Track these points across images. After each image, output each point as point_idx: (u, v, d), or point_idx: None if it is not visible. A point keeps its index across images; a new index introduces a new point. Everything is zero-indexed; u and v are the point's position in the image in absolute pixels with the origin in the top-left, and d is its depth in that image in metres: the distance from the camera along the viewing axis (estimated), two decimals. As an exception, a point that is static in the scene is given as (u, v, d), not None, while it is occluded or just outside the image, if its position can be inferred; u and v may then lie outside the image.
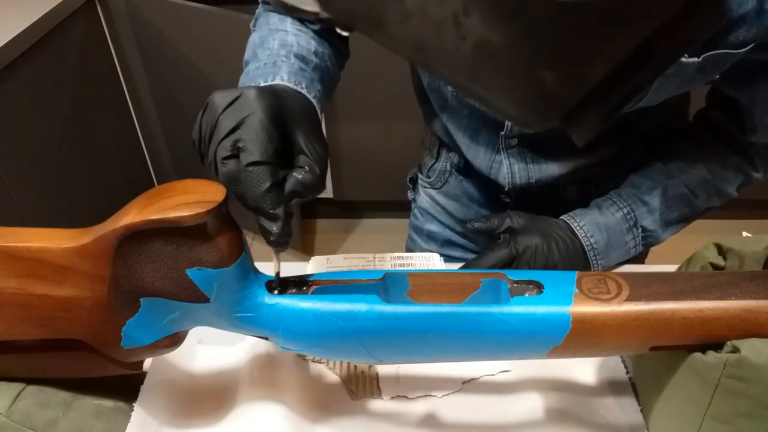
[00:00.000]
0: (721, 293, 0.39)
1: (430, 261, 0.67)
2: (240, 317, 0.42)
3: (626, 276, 0.42)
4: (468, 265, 0.60)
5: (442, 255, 0.87)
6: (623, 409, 0.51)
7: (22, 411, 0.46)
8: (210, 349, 0.56)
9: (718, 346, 0.40)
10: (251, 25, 0.67)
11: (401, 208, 2.10)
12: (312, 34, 0.63)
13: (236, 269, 0.41)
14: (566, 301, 0.40)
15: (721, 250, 0.46)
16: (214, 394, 0.53)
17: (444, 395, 0.53)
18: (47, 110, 1.38)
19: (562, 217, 0.64)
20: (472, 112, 0.67)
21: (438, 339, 0.41)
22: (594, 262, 0.62)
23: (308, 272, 0.50)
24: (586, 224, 0.63)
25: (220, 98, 0.43)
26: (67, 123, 1.46)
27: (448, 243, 0.90)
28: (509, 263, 0.59)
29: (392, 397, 0.53)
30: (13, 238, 0.41)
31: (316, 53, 0.61)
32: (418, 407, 0.52)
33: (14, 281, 0.41)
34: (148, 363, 0.51)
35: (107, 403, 0.49)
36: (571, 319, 0.40)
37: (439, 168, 0.84)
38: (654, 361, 0.46)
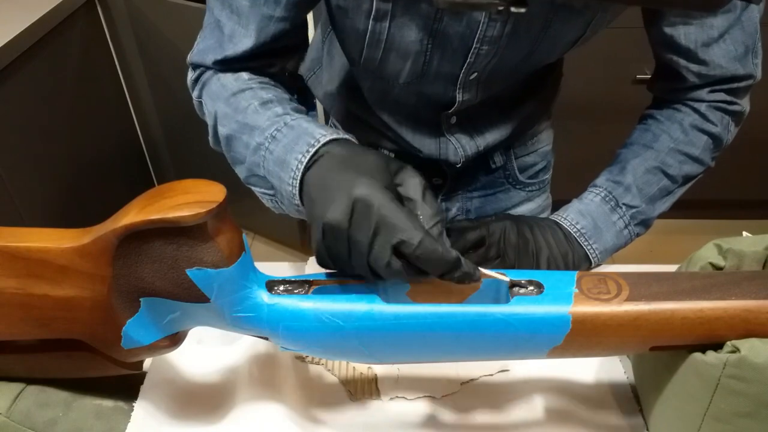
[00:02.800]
0: (721, 293, 0.39)
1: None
2: (240, 317, 0.42)
3: (626, 276, 0.42)
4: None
5: None
6: (623, 409, 0.51)
7: (22, 411, 0.46)
8: (210, 349, 0.56)
9: (718, 346, 0.40)
10: (194, 94, 0.63)
11: (401, 208, 2.09)
12: (268, 79, 0.60)
13: (236, 269, 0.41)
14: (566, 301, 0.40)
15: (721, 250, 0.46)
16: (214, 394, 0.53)
17: (443, 396, 0.53)
18: (47, 110, 1.38)
19: (548, 216, 0.67)
20: (414, 100, 0.67)
21: (438, 339, 0.41)
22: (588, 247, 0.62)
23: (308, 272, 0.50)
24: (569, 214, 0.65)
25: (335, 216, 0.41)
26: (67, 123, 1.46)
27: None
28: (479, 245, 0.60)
29: (391, 398, 0.53)
30: (13, 238, 0.41)
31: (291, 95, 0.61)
32: (417, 408, 0.52)
33: (14, 281, 0.41)
34: (148, 363, 0.51)
35: (107, 403, 0.49)
36: (571, 319, 0.40)
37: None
38: (654, 361, 0.46)
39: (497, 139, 0.72)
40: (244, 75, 0.59)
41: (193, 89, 0.64)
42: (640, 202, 0.66)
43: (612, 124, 1.77)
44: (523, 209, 0.86)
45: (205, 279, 0.40)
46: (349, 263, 0.42)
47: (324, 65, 0.78)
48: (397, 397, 0.53)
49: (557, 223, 0.64)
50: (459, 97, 0.63)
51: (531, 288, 0.42)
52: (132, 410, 0.48)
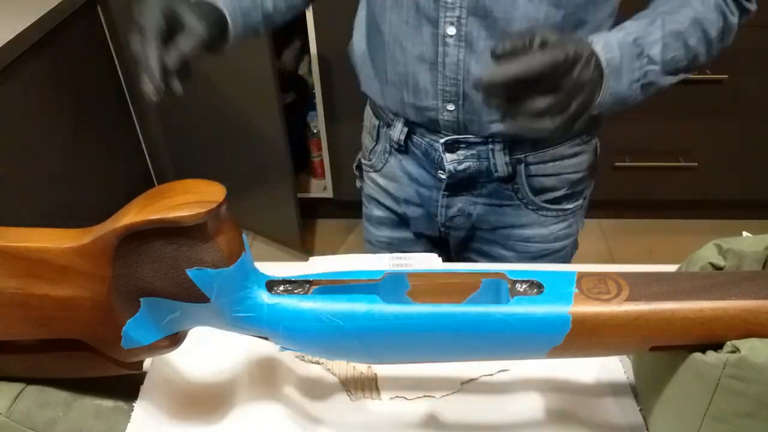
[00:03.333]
0: (721, 293, 0.39)
1: (429, 261, 0.67)
2: (240, 317, 0.42)
3: (626, 276, 0.42)
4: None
5: (392, 239, 0.93)
6: (623, 410, 0.51)
7: (22, 411, 0.46)
8: (210, 349, 0.56)
9: (718, 346, 0.40)
10: None
11: (401, 208, 2.09)
12: None
13: (236, 269, 0.41)
14: (566, 301, 0.40)
15: (721, 250, 0.46)
16: (214, 394, 0.53)
17: (443, 396, 0.53)
18: (47, 110, 1.38)
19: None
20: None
21: (438, 339, 0.41)
22: (607, 80, 0.59)
23: (308, 272, 0.50)
24: (602, 42, 0.60)
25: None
26: (67, 123, 1.46)
27: (396, 225, 0.92)
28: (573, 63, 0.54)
29: (391, 398, 0.53)
30: (13, 238, 0.41)
31: None
32: (417, 408, 0.52)
33: (14, 281, 0.41)
34: (148, 363, 0.51)
35: (107, 403, 0.49)
36: (571, 319, 0.40)
37: (380, 149, 0.86)
38: (654, 361, 0.46)
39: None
40: None
41: None
42: (659, 61, 0.63)
43: (612, 124, 1.77)
44: (533, 233, 0.83)
45: (205, 279, 0.40)
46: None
47: (355, 29, 0.83)
48: (397, 396, 0.53)
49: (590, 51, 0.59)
50: None
51: (531, 288, 0.42)
52: (132, 410, 0.48)
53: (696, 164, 1.81)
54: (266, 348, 0.54)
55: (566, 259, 0.89)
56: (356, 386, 0.54)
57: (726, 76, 1.64)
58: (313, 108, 1.86)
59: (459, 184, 0.80)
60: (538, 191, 0.80)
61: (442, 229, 0.88)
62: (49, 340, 0.45)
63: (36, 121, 1.34)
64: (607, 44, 0.60)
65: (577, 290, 0.41)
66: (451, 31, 0.68)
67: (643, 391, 0.50)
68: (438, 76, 0.71)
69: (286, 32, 1.94)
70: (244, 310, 0.42)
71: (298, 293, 0.43)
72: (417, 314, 0.41)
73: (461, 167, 0.77)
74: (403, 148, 0.82)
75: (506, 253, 0.87)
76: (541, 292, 0.41)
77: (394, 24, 0.72)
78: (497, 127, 0.73)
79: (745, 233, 0.52)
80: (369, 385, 0.54)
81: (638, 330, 0.40)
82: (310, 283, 0.44)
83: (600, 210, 2.00)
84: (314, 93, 1.75)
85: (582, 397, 0.52)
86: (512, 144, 0.75)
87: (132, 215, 0.38)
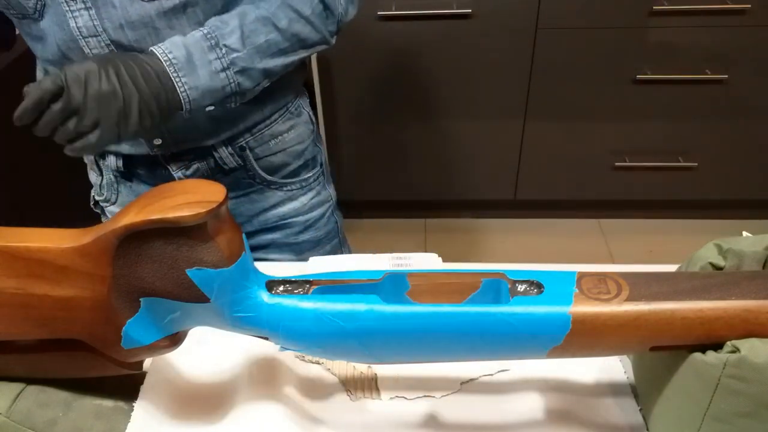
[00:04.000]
0: (721, 293, 0.39)
1: (429, 261, 0.67)
2: (240, 317, 0.42)
3: (626, 276, 0.42)
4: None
5: None
6: (623, 410, 0.51)
7: (22, 411, 0.46)
8: (210, 349, 0.56)
9: (718, 346, 0.40)
10: None
11: (401, 207, 2.10)
12: None
13: (236, 269, 0.41)
14: (566, 301, 0.40)
15: (721, 250, 0.46)
16: (214, 394, 0.53)
17: (443, 396, 0.53)
18: (47, 110, 1.37)
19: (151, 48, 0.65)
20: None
21: (438, 339, 0.41)
22: (178, 80, 0.62)
23: (308, 272, 0.50)
24: (166, 44, 0.63)
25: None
26: (67, 123, 1.46)
27: None
28: (57, 95, 0.60)
29: (391, 398, 0.53)
30: (13, 238, 0.41)
31: None
32: (417, 408, 0.52)
33: (14, 281, 0.41)
34: (148, 363, 0.51)
35: (107, 403, 0.49)
36: (571, 319, 0.40)
37: (106, 182, 0.84)
38: (654, 361, 0.46)
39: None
40: None
41: None
42: (243, 48, 0.65)
43: (612, 124, 1.77)
44: (287, 209, 0.86)
45: (205, 279, 0.40)
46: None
47: None
48: (397, 396, 0.53)
49: (153, 57, 0.62)
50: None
51: (531, 288, 0.42)
52: (132, 410, 0.48)
53: (696, 164, 1.81)
54: (266, 348, 0.54)
55: (332, 223, 0.93)
56: (356, 386, 0.54)
57: (726, 76, 1.64)
58: (314, 108, 1.86)
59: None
60: (272, 171, 0.82)
61: None
62: (49, 340, 0.45)
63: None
64: (171, 45, 0.63)
65: (577, 290, 0.41)
66: None
67: (643, 391, 0.50)
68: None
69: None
70: (244, 310, 0.42)
71: (298, 293, 0.43)
72: (417, 314, 0.41)
73: (190, 171, 0.78)
74: (126, 174, 0.81)
75: (271, 236, 0.88)
76: (541, 292, 0.41)
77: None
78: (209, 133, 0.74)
79: (745, 233, 0.52)
80: (369, 385, 0.54)
81: (638, 330, 0.40)
82: (310, 283, 0.44)
83: (600, 210, 2.00)
84: (314, 93, 1.75)
85: (582, 397, 0.52)
86: (231, 137, 0.77)
87: (132, 215, 0.38)
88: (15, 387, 0.47)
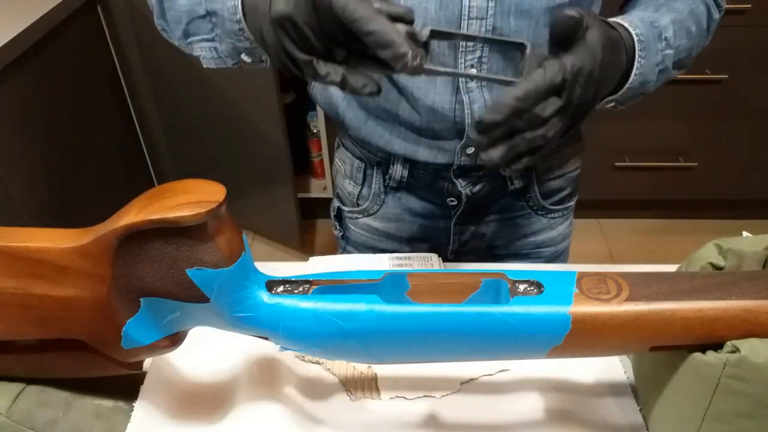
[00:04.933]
0: (721, 293, 0.39)
1: (429, 261, 0.68)
2: (240, 317, 0.42)
3: (626, 276, 0.42)
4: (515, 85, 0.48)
5: None
6: (623, 410, 0.51)
7: (22, 411, 0.46)
8: (210, 349, 0.56)
9: (718, 346, 0.40)
10: None
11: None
12: None
13: (236, 269, 0.41)
14: (566, 301, 0.40)
15: (721, 250, 0.46)
16: (214, 394, 0.53)
17: (443, 396, 0.53)
18: (47, 110, 1.38)
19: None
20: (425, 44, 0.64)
21: (438, 339, 0.41)
22: (639, 59, 0.55)
23: (308, 272, 0.50)
24: (625, 19, 0.57)
25: (280, 7, 0.47)
26: (68, 123, 1.46)
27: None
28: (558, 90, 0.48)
29: (391, 398, 0.53)
30: (13, 238, 0.41)
31: None
32: (417, 408, 0.52)
33: (14, 281, 0.41)
34: (148, 363, 0.51)
35: (107, 403, 0.49)
36: (571, 319, 0.40)
37: (372, 192, 0.78)
38: (654, 361, 0.46)
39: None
40: None
41: None
42: (674, 47, 0.59)
43: (612, 124, 1.77)
44: (544, 237, 0.82)
45: (205, 279, 0.40)
46: (302, 48, 0.47)
47: None
48: (396, 396, 0.53)
49: (617, 28, 0.55)
50: (467, 2, 0.59)
51: (531, 288, 0.42)
52: (132, 410, 0.48)
53: (696, 164, 1.81)
54: (266, 348, 0.54)
55: (566, 259, 0.88)
56: (356, 386, 0.54)
57: (726, 76, 1.64)
58: (313, 108, 1.86)
59: (471, 207, 0.75)
60: (548, 195, 0.78)
61: (451, 256, 0.82)
62: (49, 340, 0.45)
63: (36, 121, 1.34)
64: (632, 22, 0.56)
65: (577, 290, 0.41)
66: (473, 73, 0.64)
67: (643, 391, 0.50)
68: (456, 122, 0.66)
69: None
70: (244, 310, 0.42)
71: (298, 293, 0.43)
72: (417, 314, 0.41)
73: (476, 189, 0.73)
74: (403, 185, 0.76)
75: (521, 265, 0.83)
76: (541, 292, 0.41)
77: (400, 76, 0.66)
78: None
79: (745, 233, 0.52)
80: (369, 385, 0.54)
81: (638, 330, 0.40)
82: (310, 283, 0.44)
83: (600, 210, 2.00)
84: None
85: (582, 397, 0.52)
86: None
87: (132, 215, 0.38)
88: (15, 387, 0.47)
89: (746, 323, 0.39)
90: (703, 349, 0.40)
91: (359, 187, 0.79)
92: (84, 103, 1.54)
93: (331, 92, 0.74)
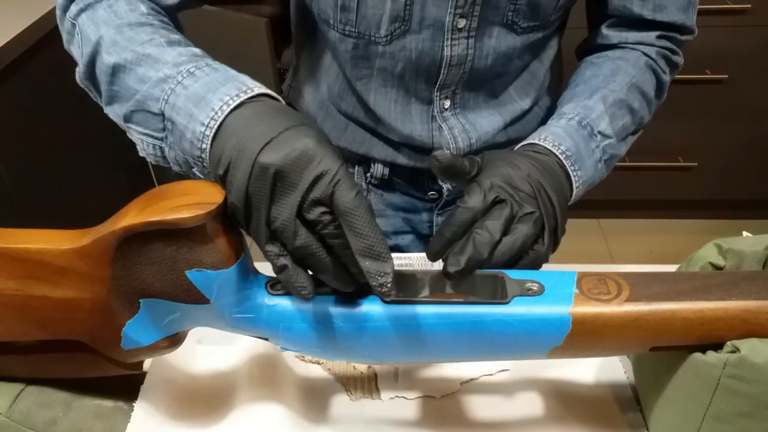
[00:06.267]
0: (721, 293, 0.39)
1: (429, 261, 0.67)
2: (240, 318, 0.42)
3: (626, 276, 0.42)
4: (438, 233, 0.48)
5: None
6: (623, 409, 0.51)
7: (22, 411, 0.46)
8: (210, 349, 0.56)
9: (718, 346, 0.40)
10: (68, 13, 0.57)
11: (401, 208, 2.08)
12: (169, 21, 0.54)
13: (236, 271, 0.41)
14: (566, 301, 0.40)
15: (721, 250, 0.46)
16: (214, 394, 0.53)
17: (443, 396, 0.53)
18: (47, 110, 1.38)
19: (519, 146, 0.57)
20: (400, 68, 0.64)
21: (438, 339, 0.41)
22: (574, 172, 0.55)
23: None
24: (547, 135, 0.56)
25: (272, 157, 0.38)
26: (68, 122, 1.46)
27: None
28: (481, 213, 0.47)
29: (391, 398, 0.53)
30: (12, 240, 0.41)
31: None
32: (417, 407, 0.52)
33: (14, 283, 0.41)
34: (148, 363, 0.51)
35: (107, 403, 0.49)
36: (571, 320, 0.40)
37: None
38: (654, 361, 0.46)
39: (491, 133, 0.69)
40: (142, 7, 0.52)
41: (65, 9, 0.56)
42: (612, 133, 0.60)
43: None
44: None
45: (204, 280, 0.40)
46: (262, 214, 0.38)
47: (302, 75, 0.75)
48: (396, 396, 0.53)
49: (546, 151, 0.54)
50: (448, 52, 0.60)
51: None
52: (132, 410, 0.48)
53: (696, 164, 1.81)
54: (266, 348, 0.54)
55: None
56: (356, 386, 0.54)
57: (726, 76, 1.64)
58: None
59: (452, 197, 0.77)
60: None
61: None
62: (49, 341, 0.45)
63: (36, 121, 1.34)
64: (555, 137, 0.55)
65: (577, 290, 0.41)
66: (447, 104, 0.67)
67: (643, 391, 0.50)
68: (434, 142, 0.68)
69: (286, 32, 1.94)
70: (244, 311, 0.42)
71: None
72: (417, 314, 0.41)
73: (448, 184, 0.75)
74: (384, 182, 0.76)
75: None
76: (541, 292, 0.41)
77: (379, 103, 0.67)
78: (485, 132, 0.70)
79: (745, 233, 0.52)
80: (369, 385, 0.54)
81: (638, 330, 0.40)
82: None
83: (600, 210, 2.00)
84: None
85: (582, 397, 0.52)
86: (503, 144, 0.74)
87: (131, 217, 0.38)
88: (15, 387, 0.47)
89: (746, 323, 0.39)
90: (703, 349, 0.40)
91: None
92: (84, 103, 1.53)
93: (308, 103, 0.74)
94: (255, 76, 0.48)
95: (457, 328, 0.41)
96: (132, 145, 0.50)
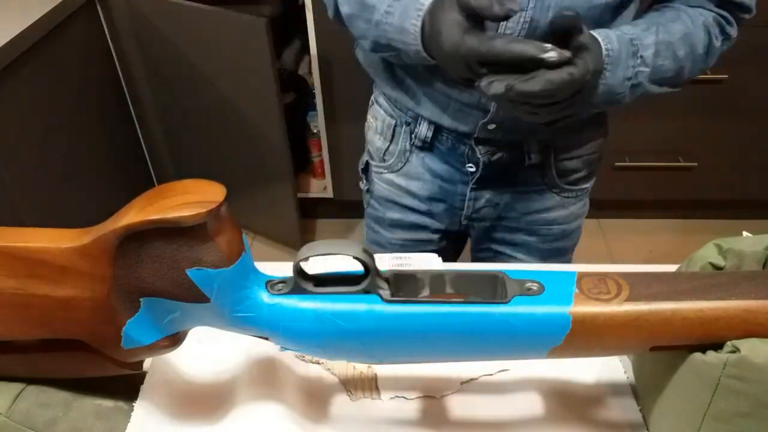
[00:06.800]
0: (721, 293, 0.39)
1: (430, 261, 0.67)
2: (240, 317, 0.42)
3: (626, 276, 0.42)
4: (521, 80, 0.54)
5: (407, 240, 0.92)
6: (623, 409, 0.51)
7: (22, 411, 0.46)
8: (210, 349, 0.56)
9: (718, 346, 0.40)
10: None
11: (401, 208, 2.09)
12: None
13: (236, 269, 0.41)
14: (566, 301, 0.40)
15: (721, 250, 0.46)
16: (214, 394, 0.53)
17: (443, 395, 0.53)
18: (47, 110, 1.38)
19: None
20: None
21: (438, 339, 0.41)
22: (605, 71, 0.61)
23: (308, 272, 0.50)
24: (603, 33, 0.62)
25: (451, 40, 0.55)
26: (68, 123, 1.46)
27: (414, 227, 0.90)
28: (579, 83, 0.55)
29: (391, 398, 0.53)
30: (13, 238, 0.41)
31: None
32: (417, 407, 0.52)
33: (14, 281, 0.41)
34: (148, 363, 0.51)
35: (107, 403, 0.49)
36: (571, 320, 0.40)
37: (398, 149, 0.84)
38: (654, 361, 0.46)
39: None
40: None
41: None
42: (651, 65, 0.65)
43: (612, 124, 1.77)
44: (556, 215, 0.85)
45: (205, 279, 0.40)
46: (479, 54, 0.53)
47: None
48: (396, 396, 0.53)
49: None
50: None
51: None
52: (132, 410, 0.48)
53: (696, 164, 1.81)
54: (266, 348, 0.54)
55: (577, 236, 0.92)
56: (356, 386, 0.54)
57: (726, 76, 1.64)
58: (313, 108, 1.86)
59: (488, 175, 0.80)
60: (563, 174, 0.81)
61: (465, 221, 0.87)
62: (49, 340, 0.45)
63: (36, 121, 1.34)
64: (607, 36, 0.62)
65: (577, 290, 0.41)
66: None
67: (643, 391, 0.50)
68: (481, 101, 0.72)
69: (286, 32, 1.94)
70: (244, 310, 0.42)
71: (298, 293, 0.43)
72: (417, 314, 0.41)
73: (495, 158, 0.77)
74: (427, 146, 0.81)
75: (529, 238, 0.88)
76: (541, 292, 0.41)
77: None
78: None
79: (745, 233, 0.52)
80: (369, 385, 0.54)
81: (638, 330, 0.40)
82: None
83: (600, 210, 2.00)
84: (314, 93, 1.75)
85: (582, 397, 0.52)
86: (542, 135, 0.76)
87: (132, 215, 0.38)
88: (15, 387, 0.47)
89: (746, 323, 0.39)
90: (703, 349, 0.40)
91: (388, 143, 0.84)
92: (84, 102, 1.54)
93: (365, 53, 0.81)
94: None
95: (457, 328, 0.41)
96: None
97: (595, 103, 0.65)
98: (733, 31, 0.70)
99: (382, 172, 0.88)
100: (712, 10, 0.69)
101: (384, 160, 0.87)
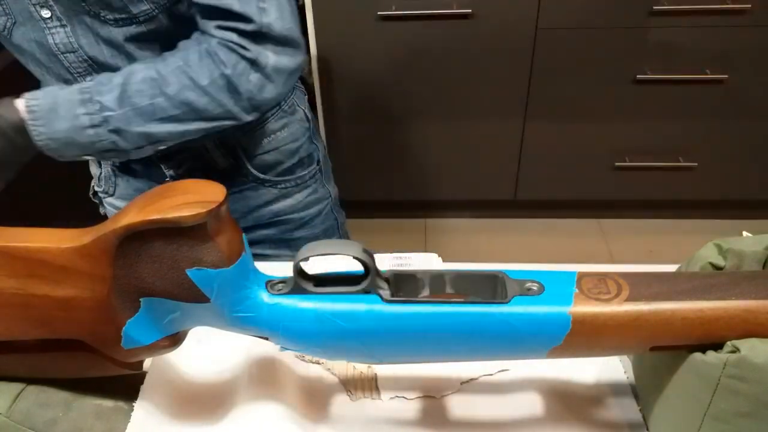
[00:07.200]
0: (721, 293, 0.39)
1: (430, 261, 0.67)
2: (240, 317, 0.42)
3: (626, 276, 0.42)
4: None
5: None
6: (623, 409, 0.51)
7: (22, 411, 0.46)
8: (210, 349, 0.56)
9: (718, 346, 0.40)
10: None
11: (401, 207, 2.10)
12: None
13: (236, 269, 0.41)
14: (566, 301, 0.40)
15: (721, 250, 0.46)
16: (214, 394, 0.53)
17: (443, 395, 0.53)
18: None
19: None
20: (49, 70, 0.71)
21: (438, 339, 0.41)
22: (33, 127, 0.64)
23: (309, 272, 0.50)
24: (39, 91, 0.65)
25: None
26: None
27: None
28: None
29: (391, 398, 0.53)
30: (13, 238, 0.41)
31: None
32: (417, 407, 0.52)
33: (14, 281, 0.41)
34: (148, 363, 0.51)
35: (107, 403, 0.49)
36: (571, 320, 0.40)
37: (105, 173, 0.85)
38: (654, 361, 0.46)
39: None
40: None
41: None
42: (119, 107, 0.63)
43: (612, 124, 1.77)
44: (281, 206, 0.86)
45: (205, 279, 0.40)
46: None
47: None
48: (396, 396, 0.53)
49: (10, 106, 0.65)
50: (52, 40, 0.67)
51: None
52: (132, 410, 0.48)
53: (696, 164, 1.81)
54: (266, 348, 0.54)
55: (331, 220, 0.93)
56: (356, 386, 0.54)
57: (726, 76, 1.64)
58: (313, 108, 1.86)
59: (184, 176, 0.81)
60: (266, 169, 0.82)
61: None
62: (49, 340, 0.45)
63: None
64: (43, 92, 0.64)
65: (577, 290, 0.41)
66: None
67: (643, 391, 0.50)
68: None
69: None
70: (244, 310, 0.42)
71: (298, 293, 0.43)
72: (417, 314, 0.41)
73: (182, 170, 0.79)
74: (123, 169, 0.82)
75: (267, 231, 0.88)
76: (541, 292, 0.41)
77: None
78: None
79: (745, 233, 0.52)
80: (369, 385, 0.54)
81: (638, 330, 0.40)
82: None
83: (600, 210, 2.00)
84: (314, 93, 1.75)
85: (582, 397, 0.52)
86: (223, 137, 0.77)
87: (132, 215, 0.38)
88: (15, 387, 0.47)
89: (746, 323, 0.39)
90: (703, 349, 0.40)
91: (99, 169, 0.86)
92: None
93: None
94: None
95: (457, 328, 0.41)
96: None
97: (50, 147, 0.66)
98: (256, 51, 0.63)
99: (104, 197, 0.89)
100: (213, 36, 0.64)
101: (100, 186, 0.88)
